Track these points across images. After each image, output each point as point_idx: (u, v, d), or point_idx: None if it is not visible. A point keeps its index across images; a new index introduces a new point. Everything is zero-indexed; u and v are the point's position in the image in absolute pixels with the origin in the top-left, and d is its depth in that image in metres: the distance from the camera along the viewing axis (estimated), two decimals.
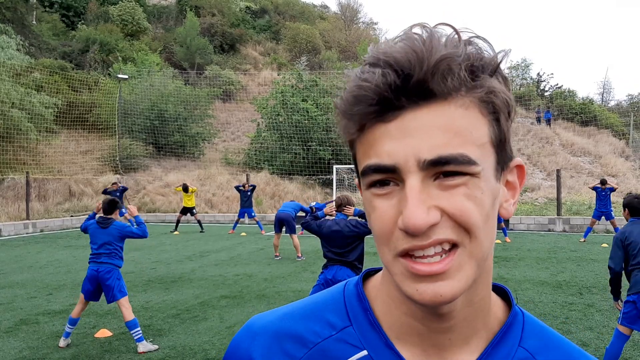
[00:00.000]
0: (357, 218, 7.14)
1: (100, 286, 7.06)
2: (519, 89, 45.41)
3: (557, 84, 52.00)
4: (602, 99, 50.72)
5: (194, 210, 21.56)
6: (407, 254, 0.67)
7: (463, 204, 0.66)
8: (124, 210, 21.49)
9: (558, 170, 22.50)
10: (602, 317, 8.10)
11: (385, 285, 0.81)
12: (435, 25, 0.69)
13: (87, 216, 8.31)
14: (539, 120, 37.97)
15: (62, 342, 6.99)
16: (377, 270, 0.88)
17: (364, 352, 0.77)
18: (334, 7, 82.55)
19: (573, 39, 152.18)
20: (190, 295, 9.83)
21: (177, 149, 34.82)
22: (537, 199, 26.47)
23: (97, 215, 7.46)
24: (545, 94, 45.74)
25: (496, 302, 0.84)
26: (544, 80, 47.26)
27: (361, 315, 0.81)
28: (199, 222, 21.46)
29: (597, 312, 8.44)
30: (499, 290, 0.87)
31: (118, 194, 21.25)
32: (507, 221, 20.03)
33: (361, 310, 0.81)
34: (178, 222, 21.72)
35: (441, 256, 0.66)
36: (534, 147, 33.91)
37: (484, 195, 0.68)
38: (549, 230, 20.78)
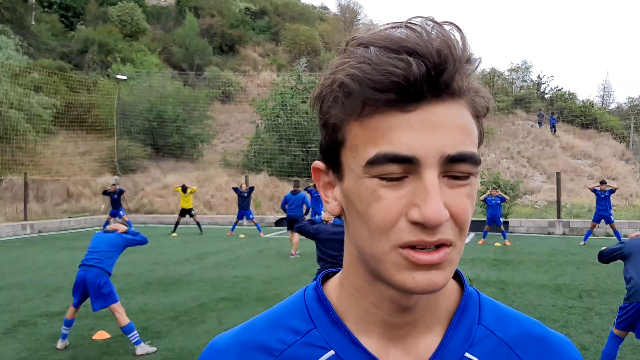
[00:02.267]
0: None
1: (86, 290, 6.94)
2: (519, 91, 45.45)
3: (557, 87, 52.03)
4: (603, 101, 50.75)
5: (193, 212, 21.53)
6: (407, 246, 0.68)
7: (464, 203, 0.69)
8: (122, 212, 21.54)
9: (558, 173, 22.47)
10: (602, 321, 8.08)
11: (351, 279, 0.81)
12: (442, 22, 0.70)
13: (85, 218, 8.31)
14: (540, 124, 37.80)
15: (59, 344, 6.95)
16: (335, 272, 0.89)
17: (331, 352, 0.79)
18: (333, 9, 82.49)
19: (573, 41, 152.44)
20: (189, 298, 9.80)
21: (176, 151, 34.79)
22: (537, 201, 26.49)
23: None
24: (546, 96, 45.74)
25: (453, 286, 0.86)
26: (544, 83, 47.27)
27: (324, 316, 0.82)
28: (197, 223, 21.41)
29: (596, 315, 8.42)
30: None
31: (115, 196, 21.29)
32: (506, 224, 20.02)
33: (323, 312, 0.82)
34: (177, 223, 21.68)
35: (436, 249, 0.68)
36: (534, 150, 33.92)
37: (476, 195, 0.73)
38: (549, 234, 20.76)
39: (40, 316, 8.59)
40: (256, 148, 33.66)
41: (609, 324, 7.78)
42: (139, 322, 7.79)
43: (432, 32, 0.67)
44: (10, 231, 21.55)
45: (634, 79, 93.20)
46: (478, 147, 0.73)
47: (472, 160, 0.68)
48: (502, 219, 17.63)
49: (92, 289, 6.87)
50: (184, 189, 21.18)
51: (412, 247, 0.67)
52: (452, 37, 0.68)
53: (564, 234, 20.59)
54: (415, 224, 0.66)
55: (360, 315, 0.80)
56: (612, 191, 16.70)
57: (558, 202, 21.63)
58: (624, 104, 48.48)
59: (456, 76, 0.67)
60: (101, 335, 7.44)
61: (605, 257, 6.20)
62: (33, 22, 47.10)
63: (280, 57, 54.47)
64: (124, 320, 6.81)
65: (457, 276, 0.88)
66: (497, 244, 17.05)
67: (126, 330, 6.77)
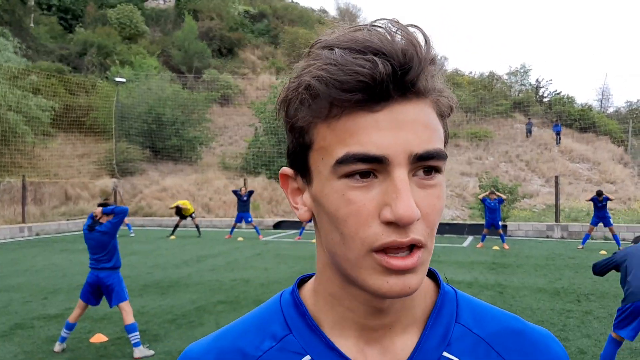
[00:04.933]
0: None
1: (100, 290, 7.03)
2: (518, 95, 45.50)
3: (556, 90, 52.09)
4: (601, 105, 50.84)
5: (194, 214, 21.55)
6: (381, 250, 0.67)
7: (434, 203, 0.70)
8: None
9: (556, 177, 22.49)
10: (600, 325, 8.06)
11: (325, 284, 0.81)
12: (406, 25, 0.71)
13: (83, 220, 8.27)
14: (530, 132, 37.16)
15: (57, 347, 6.93)
16: (311, 275, 0.89)
17: (307, 358, 0.78)
18: (332, 12, 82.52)
19: (572, 45, 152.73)
20: (187, 301, 9.78)
21: (175, 153, 34.78)
22: (535, 205, 26.50)
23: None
24: (544, 100, 45.78)
25: (429, 286, 0.86)
26: (543, 87, 47.35)
27: (300, 321, 0.81)
28: (196, 226, 21.39)
29: (595, 319, 8.40)
30: (429, 273, 0.89)
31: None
32: (505, 227, 20.02)
33: (299, 316, 0.82)
34: (176, 226, 21.64)
35: (409, 253, 0.69)
36: (533, 154, 33.96)
37: (445, 197, 0.73)
38: (547, 237, 20.76)
39: (37, 319, 8.56)
40: (255, 151, 33.66)
41: (607, 328, 7.78)
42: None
43: (397, 34, 0.68)
44: (8, 233, 21.52)
45: (632, 83, 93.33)
46: (446, 144, 0.75)
47: (439, 156, 0.69)
48: (500, 223, 17.63)
49: (105, 288, 6.97)
50: (178, 211, 21.25)
51: (385, 251, 0.68)
52: (416, 38, 0.69)
53: (562, 237, 20.59)
54: (388, 224, 0.67)
55: (336, 320, 0.80)
56: (608, 199, 16.75)
57: (556, 205, 21.64)
58: (622, 108, 48.58)
59: (421, 75, 0.68)
60: (99, 338, 7.42)
61: (598, 268, 6.25)
62: (32, 24, 47.17)
63: (279, 60, 54.50)
64: (129, 319, 6.82)
65: (433, 275, 0.89)
66: (496, 247, 17.04)
67: (129, 329, 6.77)
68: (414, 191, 0.68)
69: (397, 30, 0.69)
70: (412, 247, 0.68)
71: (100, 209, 7.28)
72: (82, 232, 7.75)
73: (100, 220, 7.21)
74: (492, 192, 17.85)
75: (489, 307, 0.88)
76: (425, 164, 0.68)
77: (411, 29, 0.70)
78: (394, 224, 0.66)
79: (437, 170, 0.70)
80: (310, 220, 0.79)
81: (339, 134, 0.68)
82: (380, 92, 0.66)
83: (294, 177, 0.78)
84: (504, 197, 18.03)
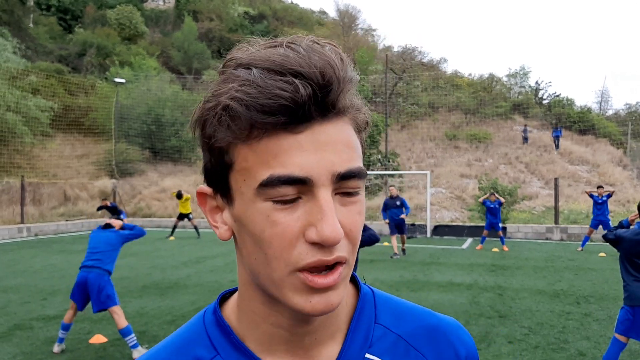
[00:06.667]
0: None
1: (87, 293, 6.93)
2: (517, 97, 45.47)
3: (555, 92, 52.11)
4: (600, 107, 50.74)
5: (191, 216, 21.54)
6: (305, 269, 0.68)
7: (356, 220, 0.71)
8: (123, 216, 21.51)
9: (556, 179, 22.49)
10: (600, 327, 8.06)
11: (247, 302, 0.80)
12: (322, 43, 0.71)
13: (82, 221, 8.25)
14: (526, 139, 36.81)
15: (56, 348, 6.91)
16: (233, 291, 0.89)
17: None
18: (332, 13, 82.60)
19: (571, 47, 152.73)
20: (186, 302, 9.77)
21: (174, 154, 34.79)
22: (534, 207, 26.47)
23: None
24: (544, 102, 45.77)
25: (349, 290, 0.87)
26: (542, 89, 47.30)
27: (225, 341, 0.80)
28: (195, 227, 21.41)
29: (594, 321, 8.40)
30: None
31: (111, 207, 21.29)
32: (504, 230, 20.02)
33: (223, 336, 0.81)
34: (175, 227, 21.65)
35: (330, 270, 0.69)
36: (532, 156, 33.92)
37: (364, 211, 0.74)
38: (547, 239, 20.76)
39: (36, 320, 8.55)
40: None
41: (606, 330, 7.77)
42: (135, 326, 7.76)
43: (314, 53, 0.67)
44: (7, 234, 21.51)
45: (632, 85, 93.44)
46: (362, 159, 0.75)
47: (360, 175, 0.70)
48: (500, 225, 17.64)
49: (93, 291, 6.84)
50: (179, 195, 21.29)
51: (310, 270, 0.68)
52: (332, 57, 0.68)
53: (561, 239, 20.60)
54: (313, 244, 0.67)
55: (263, 337, 0.79)
56: (610, 195, 16.76)
57: (556, 207, 21.65)
58: (621, 110, 48.49)
59: (340, 96, 0.68)
60: (98, 339, 7.40)
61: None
62: (31, 25, 47.17)
63: None
64: (122, 322, 6.77)
65: (352, 278, 0.89)
66: (495, 249, 17.06)
67: (124, 333, 6.73)
68: (337, 209, 0.68)
69: (312, 49, 0.68)
70: (335, 264, 0.69)
71: (120, 222, 7.36)
72: (80, 233, 7.72)
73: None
74: (492, 194, 17.86)
75: (407, 304, 0.91)
76: (347, 184, 0.69)
77: (327, 47, 0.70)
78: (319, 244, 0.67)
79: (358, 190, 0.71)
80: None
81: (261, 155, 0.67)
82: (302, 115, 0.66)
83: (213, 196, 0.76)
84: (502, 200, 18.04)
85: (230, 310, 0.85)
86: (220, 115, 0.68)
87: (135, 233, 7.34)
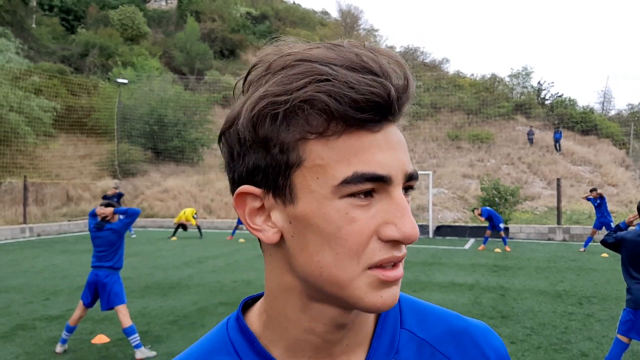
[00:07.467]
0: None
1: (97, 290, 6.99)
2: (520, 97, 45.42)
3: (557, 93, 52.01)
4: (603, 108, 50.65)
5: (195, 216, 21.56)
6: (377, 266, 0.68)
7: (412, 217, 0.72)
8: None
9: (558, 179, 22.46)
10: (602, 327, 8.05)
11: (281, 307, 0.77)
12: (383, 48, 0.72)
13: (85, 221, 8.23)
14: (531, 141, 36.73)
15: (58, 348, 6.92)
16: (256, 298, 0.87)
17: None
18: (334, 14, 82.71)
19: (574, 47, 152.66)
20: (188, 302, 9.77)
21: (176, 154, 34.81)
22: (537, 207, 26.45)
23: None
24: (546, 102, 45.72)
25: None
26: (545, 89, 47.24)
27: (249, 348, 0.79)
28: (198, 227, 21.41)
29: (596, 322, 8.39)
30: None
31: (116, 199, 21.27)
32: (507, 230, 20.01)
33: (247, 344, 0.80)
34: (177, 228, 21.65)
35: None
36: (534, 156, 33.90)
37: None
38: (549, 240, 20.75)
39: (39, 320, 8.56)
40: None
41: (609, 331, 7.77)
42: (138, 326, 7.76)
43: (384, 56, 0.69)
44: (9, 234, 21.54)
45: (634, 86, 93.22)
46: None
47: (417, 175, 0.73)
48: (502, 225, 17.62)
49: (101, 288, 6.91)
50: (184, 227, 21.48)
51: (380, 266, 0.68)
52: (403, 61, 0.70)
53: (564, 240, 20.58)
54: (388, 241, 0.68)
55: (290, 344, 0.78)
56: (602, 197, 16.71)
57: (558, 208, 21.62)
58: (623, 111, 48.40)
59: (410, 100, 0.71)
60: (100, 339, 7.41)
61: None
62: (34, 25, 47.26)
63: None
64: (127, 322, 6.79)
65: None
66: (498, 250, 17.04)
67: (127, 332, 6.75)
68: None
69: (378, 52, 0.69)
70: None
71: (111, 209, 7.21)
72: (83, 233, 7.72)
73: (111, 220, 7.20)
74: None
75: (431, 307, 0.90)
76: (409, 182, 0.71)
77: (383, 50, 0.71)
78: (393, 242, 0.68)
79: (413, 188, 0.74)
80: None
81: (340, 152, 0.66)
82: (386, 114, 0.67)
83: (260, 196, 0.72)
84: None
85: (254, 316, 0.83)
86: (296, 110, 0.66)
87: (131, 218, 7.28)
